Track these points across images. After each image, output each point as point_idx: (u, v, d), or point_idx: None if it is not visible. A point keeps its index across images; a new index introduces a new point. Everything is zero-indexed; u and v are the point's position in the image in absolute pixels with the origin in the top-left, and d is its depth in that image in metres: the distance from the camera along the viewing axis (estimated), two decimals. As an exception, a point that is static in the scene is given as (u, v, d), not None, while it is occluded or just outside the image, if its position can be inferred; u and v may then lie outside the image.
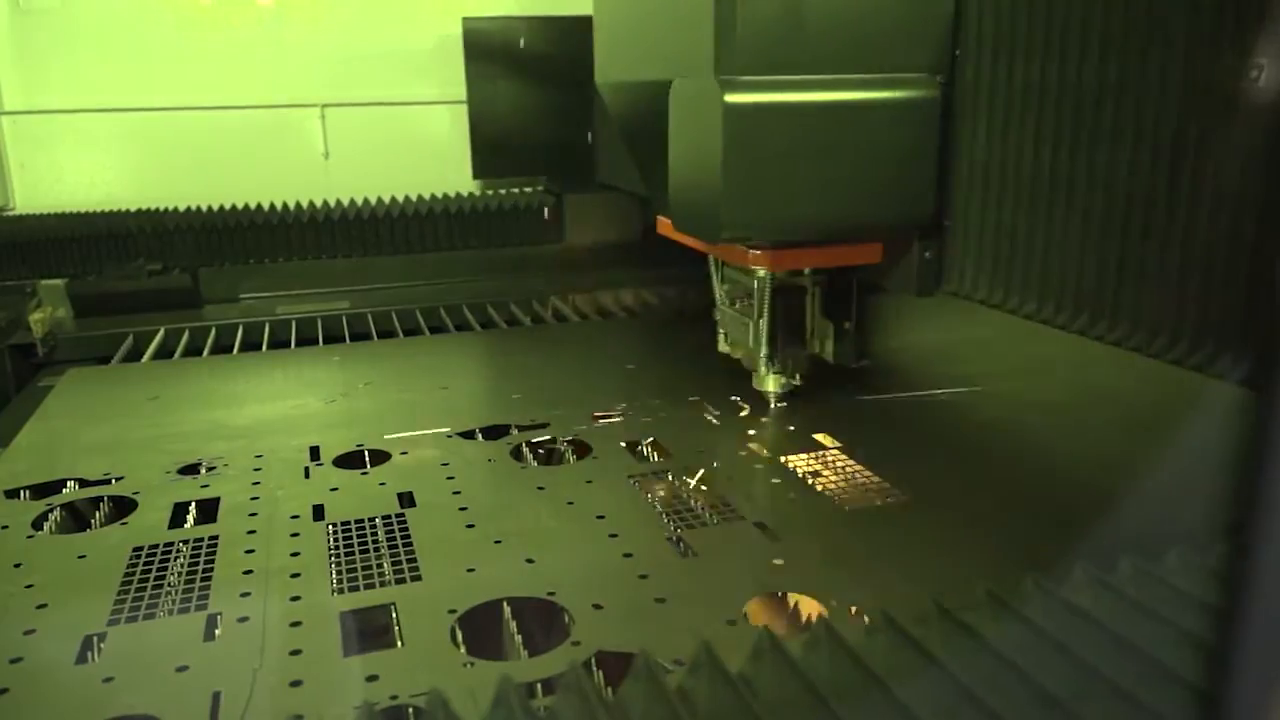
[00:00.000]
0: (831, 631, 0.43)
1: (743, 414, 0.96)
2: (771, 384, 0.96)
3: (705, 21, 0.81)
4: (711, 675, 0.41)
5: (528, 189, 1.74)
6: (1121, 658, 0.39)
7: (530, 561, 0.66)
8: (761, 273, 0.91)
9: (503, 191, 1.71)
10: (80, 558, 0.69)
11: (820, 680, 0.39)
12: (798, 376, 0.96)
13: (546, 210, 1.68)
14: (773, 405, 0.96)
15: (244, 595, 0.63)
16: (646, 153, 1.07)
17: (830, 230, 0.87)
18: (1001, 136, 0.80)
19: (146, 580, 0.66)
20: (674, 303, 1.50)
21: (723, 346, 1.02)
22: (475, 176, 1.73)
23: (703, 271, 1.03)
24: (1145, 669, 0.38)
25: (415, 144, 1.76)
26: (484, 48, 1.66)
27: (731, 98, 0.78)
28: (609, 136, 1.62)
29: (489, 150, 1.71)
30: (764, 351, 0.94)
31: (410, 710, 0.51)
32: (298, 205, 1.62)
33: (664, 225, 1.03)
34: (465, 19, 1.64)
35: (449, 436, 0.91)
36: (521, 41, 1.67)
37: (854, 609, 0.59)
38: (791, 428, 0.92)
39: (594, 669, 0.54)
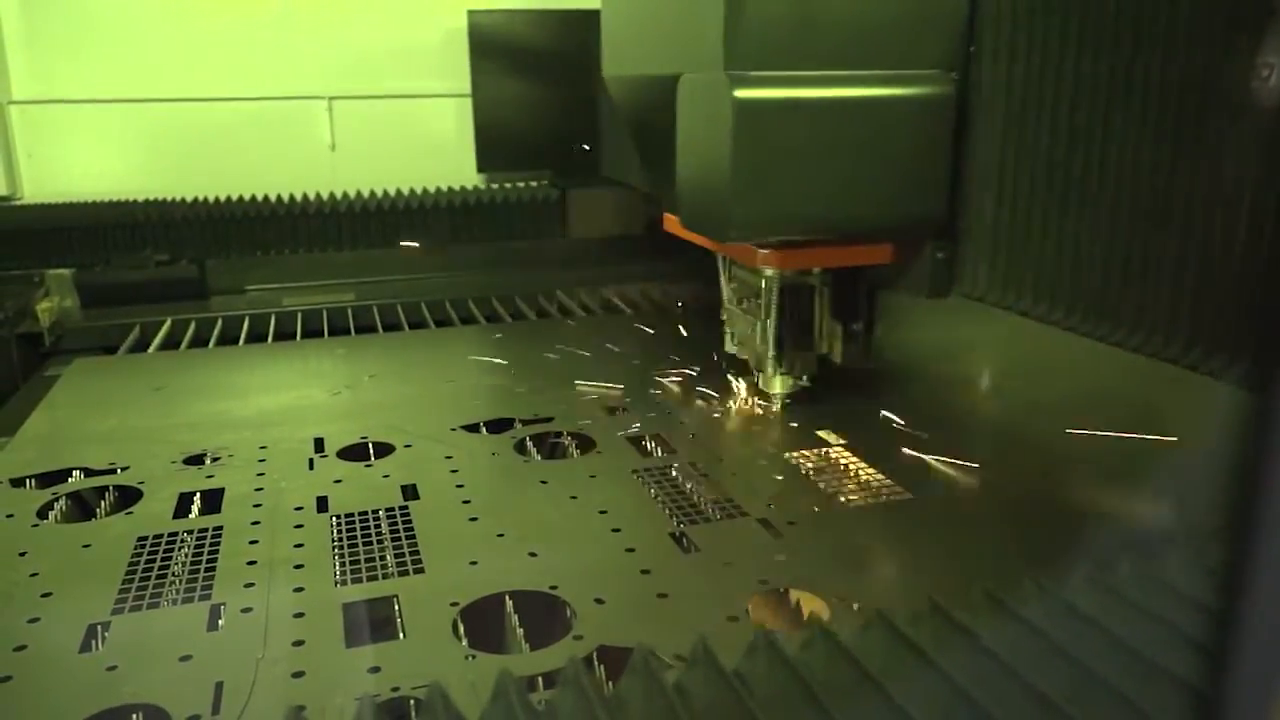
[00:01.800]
0: (825, 630, 0.43)
1: (743, 409, 0.96)
2: (778, 385, 0.95)
3: (715, 15, 0.80)
4: (707, 671, 0.41)
5: (533, 183, 1.74)
6: (1119, 659, 0.39)
7: (533, 555, 0.66)
8: (769, 272, 0.89)
9: (508, 186, 1.71)
10: (85, 547, 0.70)
11: (815, 678, 0.39)
12: (805, 378, 0.95)
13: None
14: (778, 406, 0.95)
15: (248, 586, 0.63)
16: (653, 148, 1.05)
17: (841, 229, 0.85)
18: (1016, 134, 0.79)
19: (151, 570, 0.66)
20: (676, 296, 1.50)
21: (730, 346, 1.01)
22: (479, 170, 1.73)
23: (708, 267, 1.03)
24: (1144, 670, 0.38)
25: (421, 137, 1.76)
26: (489, 41, 1.66)
27: (742, 93, 0.77)
28: (614, 131, 1.62)
29: (493, 144, 1.71)
30: (771, 352, 0.93)
31: (410, 702, 0.51)
32: (304, 197, 1.62)
33: (671, 222, 1.02)
34: (470, 12, 1.64)
35: (453, 430, 0.91)
36: (526, 35, 1.67)
37: (855, 606, 0.59)
38: (794, 424, 0.92)
39: (596, 664, 0.55)
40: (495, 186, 1.70)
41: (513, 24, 1.67)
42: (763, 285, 0.91)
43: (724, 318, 1.01)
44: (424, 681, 0.52)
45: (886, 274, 0.94)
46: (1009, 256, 0.82)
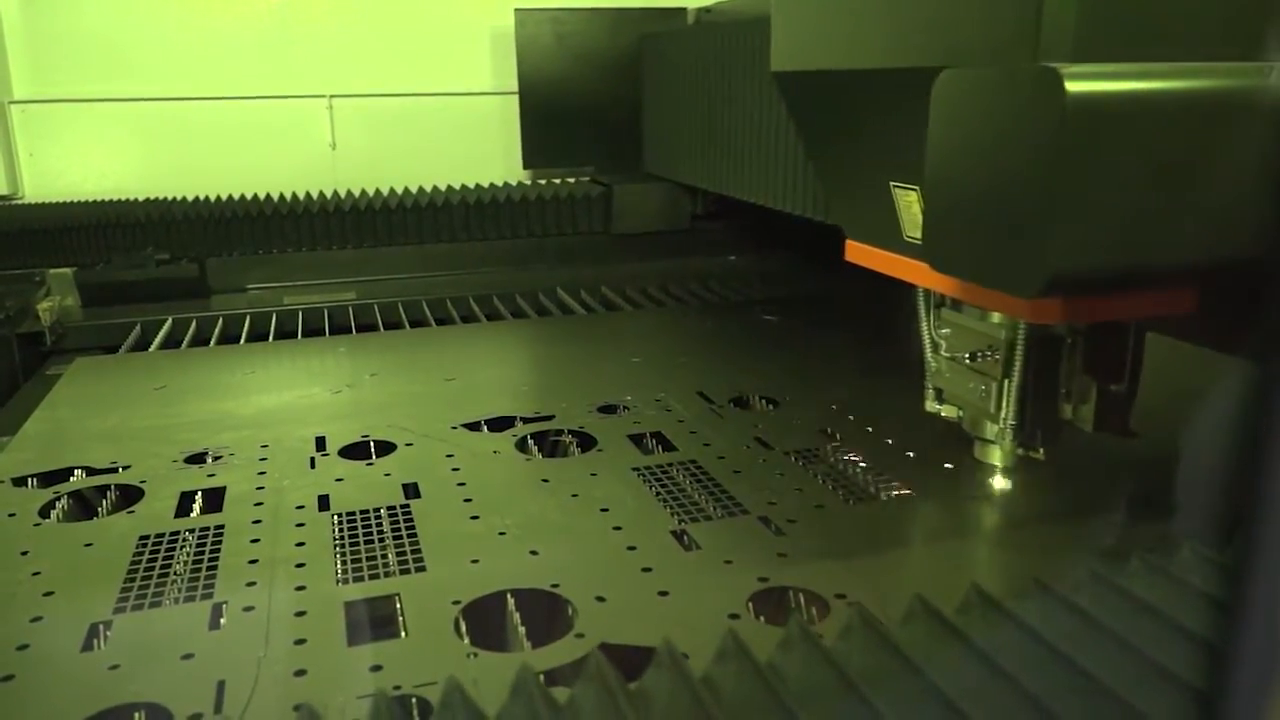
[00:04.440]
0: (806, 632, 0.43)
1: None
2: (1000, 457, 0.77)
3: None
4: (679, 675, 0.40)
5: (573, 180, 1.76)
6: (1125, 658, 0.39)
7: (534, 553, 0.66)
8: (1020, 323, 0.71)
9: (511, 183, 1.71)
10: (87, 546, 0.70)
11: (792, 680, 0.39)
12: (1040, 450, 0.76)
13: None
14: (999, 484, 0.77)
15: (249, 584, 0.63)
16: (842, 161, 0.85)
17: (1185, 271, 0.63)
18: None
19: (152, 569, 0.66)
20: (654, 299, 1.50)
21: (931, 405, 0.81)
22: (526, 166, 1.76)
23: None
24: (1146, 669, 0.38)
25: (422, 135, 1.76)
26: (535, 38, 1.70)
27: (1077, 86, 0.53)
28: (660, 127, 1.63)
29: (539, 140, 1.75)
30: (1012, 420, 0.73)
31: (413, 701, 0.51)
32: (307, 196, 1.62)
33: (864, 253, 0.82)
34: (517, 10, 1.68)
35: (454, 428, 0.91)
36: (570, 33, 1.71)
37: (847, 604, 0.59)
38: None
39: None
40: (499, 184, 1.70)
41: (557, 22, 1.71)
42: (1002, 336, 0.72)
43: (927, 371, 0.81)
44: (427, 680, 0.52)
45: (1175, 322, 0.74)
46: None
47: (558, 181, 1.74)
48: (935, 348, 0.79)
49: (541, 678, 0.52)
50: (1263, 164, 0.58)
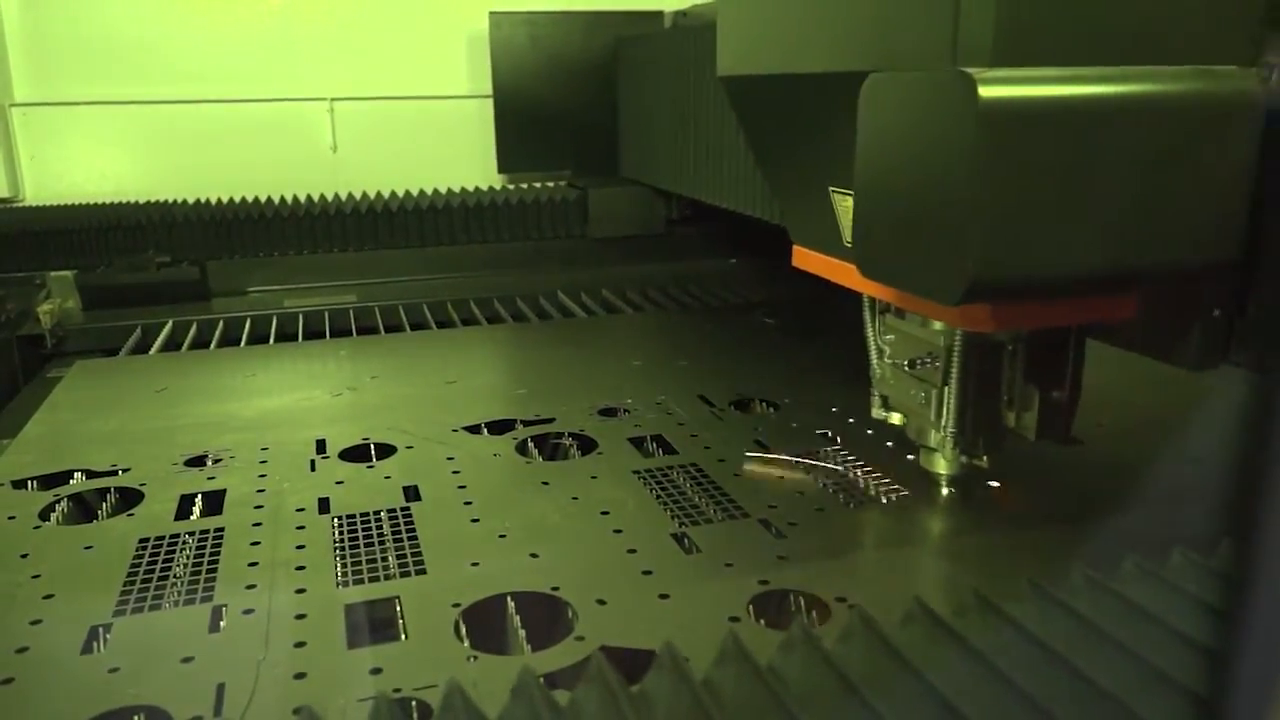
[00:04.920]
0: (809, 635, 0.42)
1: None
2: (944, 465, 0.77)
3: None
4: (678, 676, 0.40)
5: (550, 184, 1.75)
6: (1122, 663, 0.39)
7: (534, 556, 0.66)
8: (958, 330, 0.70)
9: (509, 187, 1.71)
10: (87, 549, 0.70)
11: (792, 684, 0.39)
12: (984, 458, 0.75)
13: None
14: (943, 490, 0.77)
15: (249, 587, 0.63)
16: (786, 165, 0.85)
17: (1112, 278, 0.62)
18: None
19: (152, 571, 0.66)
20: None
21: (878, 412, 0.82)
22: (500, 170, 1.75)
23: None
24: (1145, 673, 0.38)
25: (423, 138, 1.76)
26: (510, 41, 1.69)
27: (990, 91, 0.53)
28: (635, 131, 1.63)
29: (514, 144, 1.74)
30: (952, 428, 0.72)
31: (413, 704, 0.51)
32: (308, 199, 1.62)
33: (807, 257, 0.82)
34: (492, 13, 1.67)
35: (454, 431, 0.91)
36: (546, 36, 1.70)
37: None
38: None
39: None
40: (498, 188, 1.70)
41: (533, 25, 1.70)
42: (941, 343, 0.71)
43: (873, 377, 0.81)
44: (427, 683, 0.52)
45: (1115, 329, 0.73)
46: None
47: (538, 186, 1.73)
48: (880, 354, 0.79)
49: (541, 680, 0.52)
50: (1184, 167, 0.58)
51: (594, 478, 0.80)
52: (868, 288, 0.73)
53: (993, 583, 0.52)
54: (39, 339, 1.30)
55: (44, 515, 0.76)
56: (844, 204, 0.74)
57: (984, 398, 0.73)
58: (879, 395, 0.81)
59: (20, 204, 1.60)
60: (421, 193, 1.66)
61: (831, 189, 0.75)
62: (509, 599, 0.61)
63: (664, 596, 0.61)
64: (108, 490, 0.80)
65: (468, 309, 1.45)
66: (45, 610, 0.61)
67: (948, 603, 0.50)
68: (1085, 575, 0.49)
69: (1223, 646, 0.22)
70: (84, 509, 0.79)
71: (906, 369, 0.75)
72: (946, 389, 0.72)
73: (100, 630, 0.59)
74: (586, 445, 0.88)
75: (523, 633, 0.58)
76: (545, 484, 0.79)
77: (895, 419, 0.81)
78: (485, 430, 0.92)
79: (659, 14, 1.71)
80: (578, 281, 1.57)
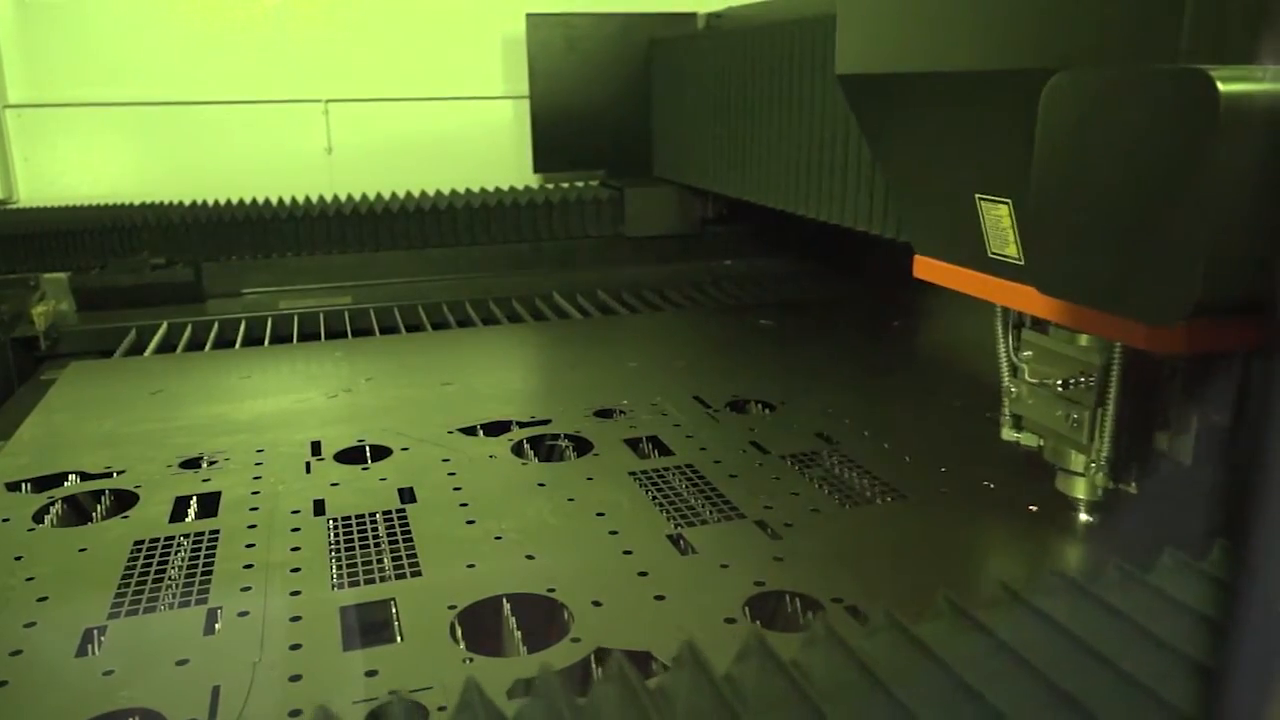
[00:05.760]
0: (765, 645, 0.42)
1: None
2: (1084, 489, 0.70)
3: None
4: (699, 672, 0.40)
5: (577, 183, 1.76)
6: (1101, 669, 0.39)
7: (530, 558, 0.66)
8: (1115, 347, 0.65)
9: (505, 188, 1.71)
10: (81, 551, 0.69)
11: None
12: (1133, 484, 0.69)
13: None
14: (1082, 516, 0.71)
15: (244, 589, 0.63)
16: (916, 171, 0.79)
17: None
18: None
19: (147, 574, 0.66)
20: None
21: (1008, 433, 0.76)
22: (536, 170, 1.76)
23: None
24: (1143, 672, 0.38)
25: (419, 140, 1.76)
26: (546, 43, 1.70)
27: (1231, 88, 0.47)
28: (670, 131, 1.64)
29: (550, 144, 1.75)
30: (1106, 453, 0.67)
31: (413, 705, 0.51)
32: (306, 200, 1.62)
33: (933, 268, 0.76)
34: (529, 14, 1.68)
35: (450, 433, 0.91)
36: (582, 37, 1.72)
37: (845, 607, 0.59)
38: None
39: (594, 666, 0.55)
40: (495, 189, 1.70)
41: (569, 26, 1.71)
42: (1097, 361, 0.66)
43: (1006, 396, 0.75)
44: (422, 685, 0.52)
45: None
46: None
47: (573, 185, 1.74)
48: (1015, 371, 0.73)
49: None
50: None
51: (590, 479, 0.80)
52: (1021, 302, 0.67)
53: (993, 583, 0.52)
54: (33, 341, 1.29)
55: (38, 517, 0.75)
56: (993, 212, 0.68)
57: (1140, 420, 0.67)
58: (1010, 415, 0.75)
59: (14, 206, 1.60)
60: (424, 194, 1.66)
61: (978, 196, 0.69)
62: (505, 601, 0.61)
63: (660, 598, 0.61)
64: (102, 492, 0.80)
65: (463, 310, 1.45)
66: (39, 613, 0.61)
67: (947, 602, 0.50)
68: (1118, 567, 0.48)
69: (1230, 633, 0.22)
70: (78, 511, 0.79)
71: (1059, 388, 0.69)
72: (1101, 410, 0.66)
73: (95, 633, 0.59)
74: (582, 447, 0.88)
75: (519, 634, 0.58)
76: (541, 485, 0.79)
77: (1026, 440, 0.75)
78: (481, 432, 0.92)
79: (692, 15, 1.72)
80: (610, 279, 1.59)
